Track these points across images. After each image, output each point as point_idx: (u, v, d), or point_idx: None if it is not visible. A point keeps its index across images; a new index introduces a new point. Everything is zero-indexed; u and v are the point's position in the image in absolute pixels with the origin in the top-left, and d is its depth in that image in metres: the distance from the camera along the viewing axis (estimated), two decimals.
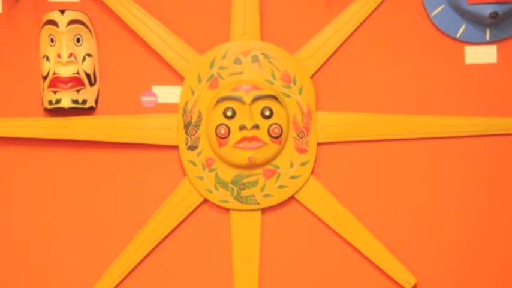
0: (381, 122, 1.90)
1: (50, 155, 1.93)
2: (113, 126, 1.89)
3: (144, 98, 1.92)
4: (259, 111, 1.83)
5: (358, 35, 1.92)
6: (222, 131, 1.83)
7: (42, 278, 1.94)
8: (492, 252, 1.92)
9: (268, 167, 1.87)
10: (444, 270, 1.92)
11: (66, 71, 1.83)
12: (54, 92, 1.84)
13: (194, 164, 1.88)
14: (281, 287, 1.93)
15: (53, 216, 1.94)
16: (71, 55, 1.83)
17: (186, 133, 1.88)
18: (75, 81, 1.84)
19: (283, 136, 1.85)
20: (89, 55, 1.89)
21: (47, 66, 1.85)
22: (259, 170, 1.87)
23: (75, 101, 1.86)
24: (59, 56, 1.83)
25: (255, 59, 1.87)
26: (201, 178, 1.88)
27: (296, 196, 1.89)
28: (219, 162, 1.87)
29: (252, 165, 1.84)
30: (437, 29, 1.91)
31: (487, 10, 1.80)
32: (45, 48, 1.87)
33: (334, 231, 1.90)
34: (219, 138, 1.83)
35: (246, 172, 1.87)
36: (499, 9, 1.79)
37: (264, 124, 1.83)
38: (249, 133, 1.81)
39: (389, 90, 1.92)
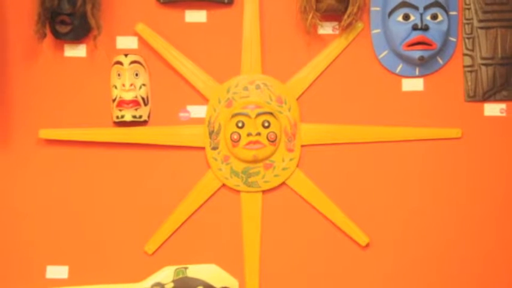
0: (346, 130, 2.08)
1: (117, 154, 2.10)
2: (160, 133, 2.07)
3: (181, 114, 2.09)
4: (260, 123, 2.02)
5: (329, 71, 2.10)
6: (235, 136, 2.02)
7: (112, 238, 2.10)
8: (427, 217, 2.09)
9: (267, 161, 2.05)
10: (388, 234, 2.09)
11: (128, 96, 2.03)
12: (120, 110, 2.04)
13: (215, 160, 2.06)
14: (275, 243, 2.09)
15: (120, 195, 2.10)
16: (131, 85, 2.03)
17: (210, 138, 2.06)
18: (134, 103, 2.04)
19: (277, 140, 2.04)
20: (144, 84, 2.07)
21: (115, 92, 2.05)
22: (261, 164, 2.06)
23: (134, 116, 2.05)
24: (123, 85, 2.03)
25: (258, 87, 2.06)
26: (220, 169, 2.06)
27: (286, 182, 2.07)
28: (232, 158, 2.05)
29: (255, 161, 2.04)
30: (383, 67, 2.10)
31: (416, 55, 2.02)
32: (114, 80, 2.06)
33: (313, 206, 2.08)
34: (232, 142, 2.02)
35: (251, 165, 2.05)
36: (424, 54, 2.01)
37: (264, 132, 2.02)
38: (254, 138, 2.01)
39: (351, 108, 2.10)
